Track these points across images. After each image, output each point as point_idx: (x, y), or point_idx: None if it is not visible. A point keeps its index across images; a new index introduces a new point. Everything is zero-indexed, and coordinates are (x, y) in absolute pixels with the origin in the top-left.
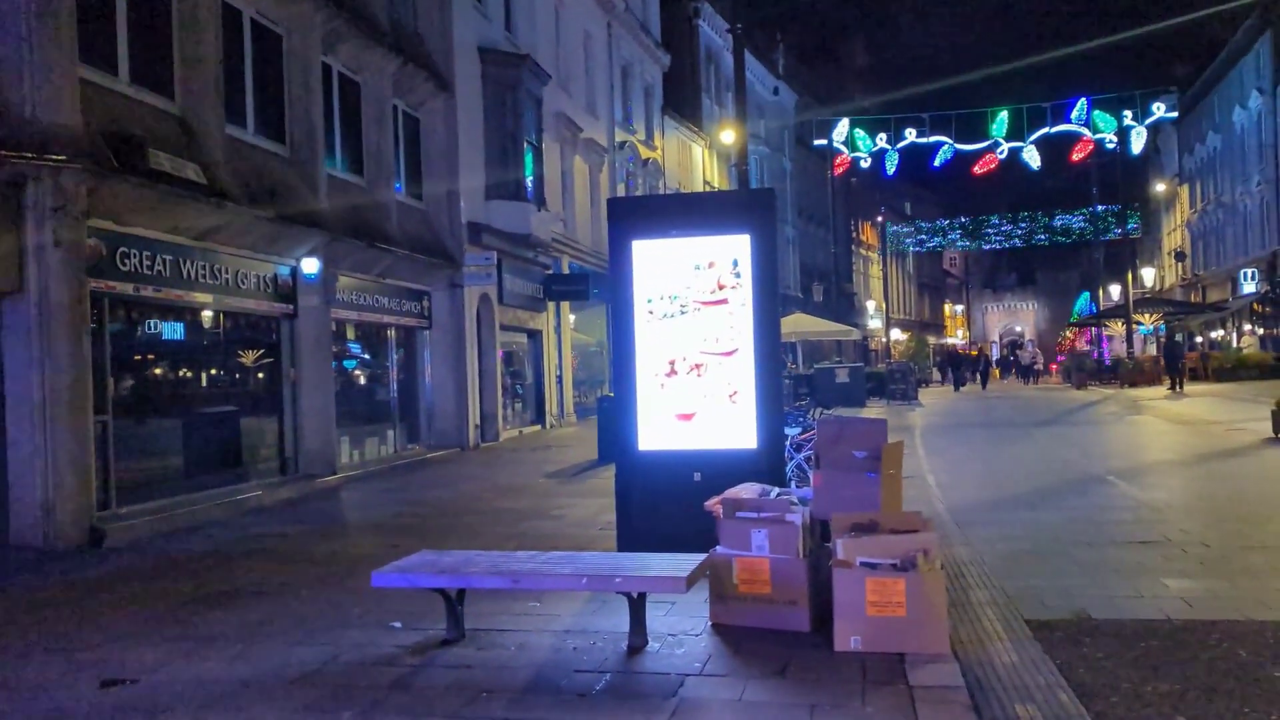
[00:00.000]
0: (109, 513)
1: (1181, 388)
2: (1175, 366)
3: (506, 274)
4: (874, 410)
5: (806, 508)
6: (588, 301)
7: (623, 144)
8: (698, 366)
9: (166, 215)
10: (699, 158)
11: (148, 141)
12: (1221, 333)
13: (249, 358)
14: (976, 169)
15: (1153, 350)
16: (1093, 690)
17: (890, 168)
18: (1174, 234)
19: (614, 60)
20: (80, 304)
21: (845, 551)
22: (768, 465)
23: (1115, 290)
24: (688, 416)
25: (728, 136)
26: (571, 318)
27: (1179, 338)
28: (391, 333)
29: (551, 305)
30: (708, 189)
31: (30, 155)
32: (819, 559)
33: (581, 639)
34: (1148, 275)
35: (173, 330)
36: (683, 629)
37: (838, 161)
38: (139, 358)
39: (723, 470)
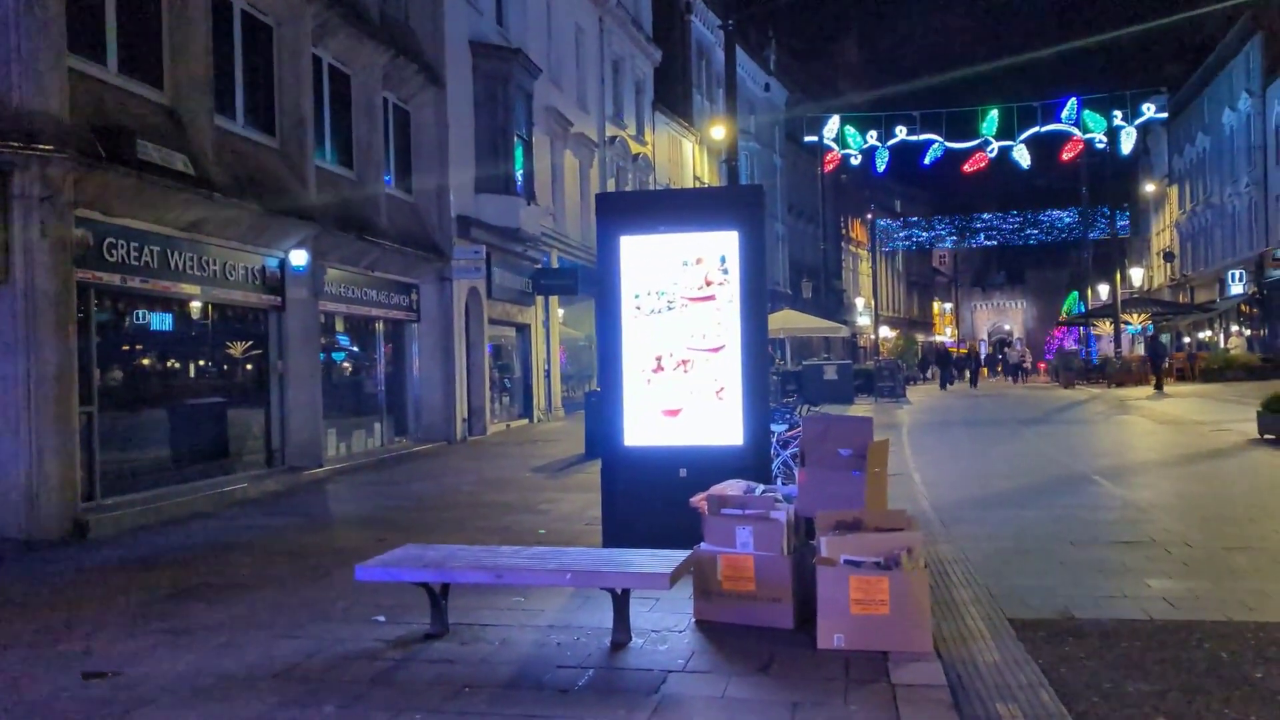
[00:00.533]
0: (93, 504)
1: (1161, 387)
2: (1158, 366)
3: (495, 268)
4: (862, 408)
5: (791, 505)
6: (576, 296)
7: (613, 139)
8: (684, 362)
9: (154, 206)
10: (689, 153)
11: (136, 132)
12: (1209, 333)
13: (236, 349)
14: (966, 167)
15: (1140, 350)
16: (1075, 690)
17: (880, 165)
18: (1163, 234)
19: (605, 55)
20: (67, 294)
21: (829, 549)
22: (753, 462)
23: (1104, 290)
24: (674, 412)
25: (718, 132)
26: (560, 312)
27: (1164, 338)
28: (379, 326)
29: (540, 299)
30: (698, 184)
31: (17, 145)
32: (803, 556)
33: (565, 634)
34: (1136, 275)
35: (160, 321)
36: (666, 625)
37: (828, 158)
38: (125, 349)
39: (708, 466)
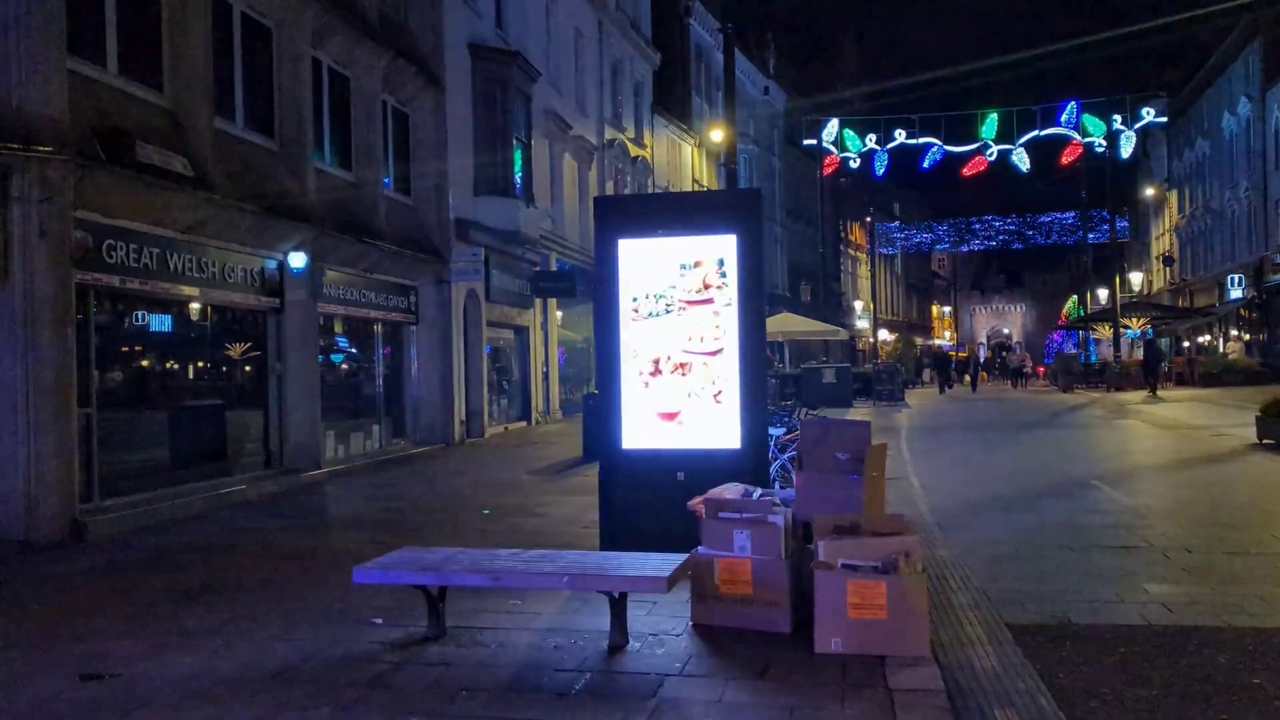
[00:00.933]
0: (91, 506)
1: (1155, 391)
2: (1154, 370)
3: (494, 270)
4: (860, 411)
5: (789, 509)
6: (575, 298)
7: (612, 142)
8: (682, 366)
9: (153, 207)
10: (688, 156)
11: (135, 134)
12: (1208, 338)
13: (235, 351)
14: (965, 171)
15: (1139, 355)
16: (1072, 695)
17: (879, 168)
18: (1162, 238)
19: (604, 58)
20: (65, 296)
21: (827, 553)
22: (751, 465)
23: (1103, 294)
24: (672, 416)
25: (717, 135)
26: (558, 314)
27: (1161, 343)
28: (378, 328)
29: (539, 302)
30: (697, 187)
31: (16, 146)
32: (801, 560)
33: (562, 638)
34: (1135, 279)
35: (159, 323)
36: (664, 629)
37: (827, 161)
38: (124, 350)
39: (706, 470)
